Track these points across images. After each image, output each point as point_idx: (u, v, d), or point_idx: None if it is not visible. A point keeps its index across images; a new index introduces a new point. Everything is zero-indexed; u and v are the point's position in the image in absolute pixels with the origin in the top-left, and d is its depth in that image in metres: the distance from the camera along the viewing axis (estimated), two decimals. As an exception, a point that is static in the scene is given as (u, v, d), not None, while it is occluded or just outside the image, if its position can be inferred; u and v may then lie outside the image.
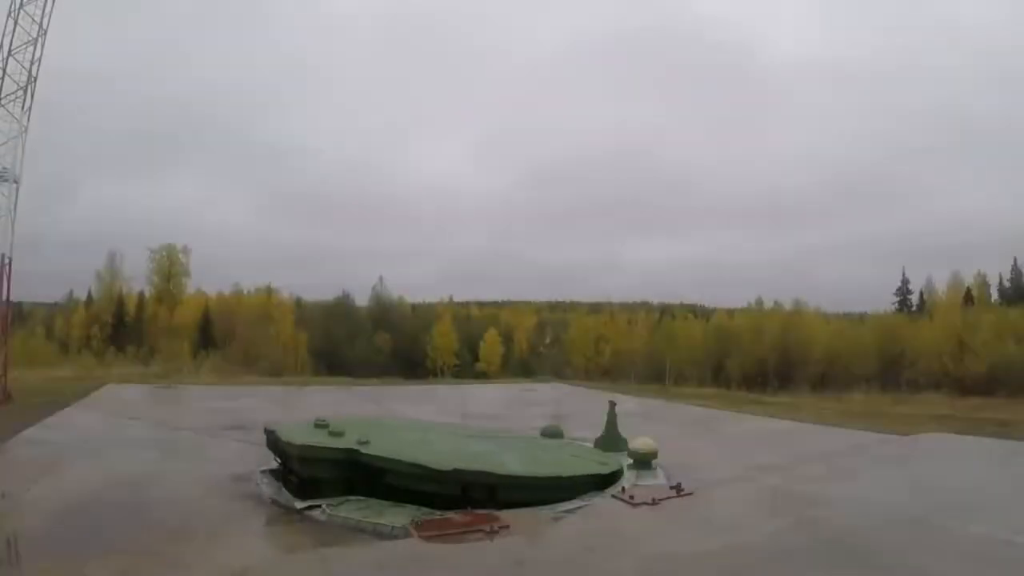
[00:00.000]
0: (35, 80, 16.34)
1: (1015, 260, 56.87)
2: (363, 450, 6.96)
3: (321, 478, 6.95)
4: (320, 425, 7.95)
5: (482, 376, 43.79)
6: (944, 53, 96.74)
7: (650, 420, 13.74)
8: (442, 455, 7.20)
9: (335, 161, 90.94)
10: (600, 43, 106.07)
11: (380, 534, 5.91)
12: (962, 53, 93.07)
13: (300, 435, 7.45)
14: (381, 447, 7.12)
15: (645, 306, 68.20)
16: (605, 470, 7.96)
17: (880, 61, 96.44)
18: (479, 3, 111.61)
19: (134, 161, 72.24)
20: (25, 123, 16.25)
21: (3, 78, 15.88)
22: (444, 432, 9.74)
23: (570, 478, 7.43)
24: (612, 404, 10.18)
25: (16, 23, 15.88)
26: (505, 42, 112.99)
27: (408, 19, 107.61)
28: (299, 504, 6.65)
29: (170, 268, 48.81)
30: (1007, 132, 79.32)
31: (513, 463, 7.52)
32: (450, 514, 6.30)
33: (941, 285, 54.30)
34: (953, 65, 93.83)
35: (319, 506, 6.54)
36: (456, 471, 6.73)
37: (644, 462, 8.49)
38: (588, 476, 7.65)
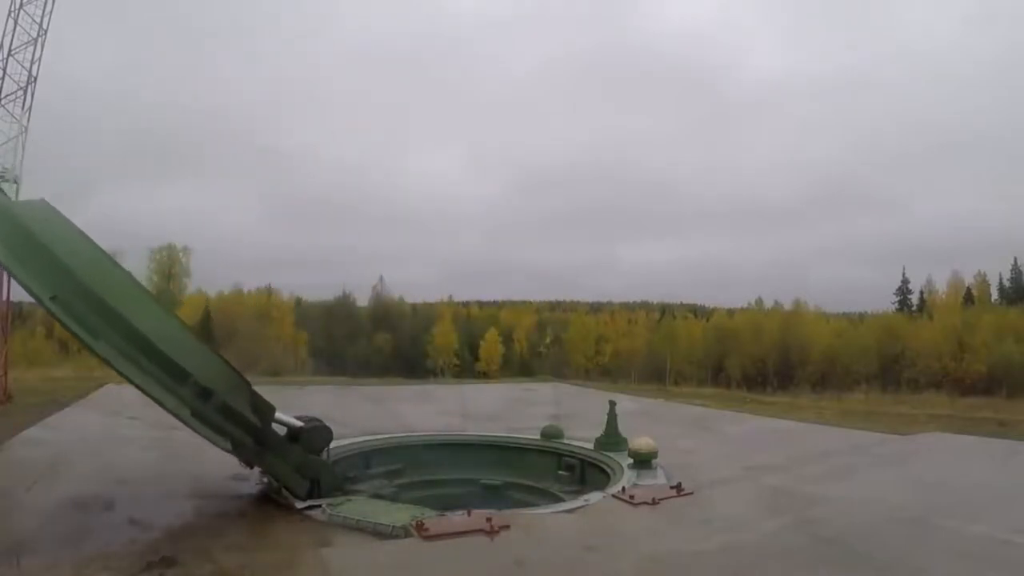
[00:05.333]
0: (35, 80, 16.34)
1: (1015, 260, 56.99)
2: None
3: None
4: None
5: (482, 376, 43.81)
6: (945, 60, 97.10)
7: (650, 420, 13.71)
8: None
9: (336, 163, 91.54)
10: (600, 57, 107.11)
11: (380, 534, 5.89)
12: (963, 58, 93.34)
13: None
14: None
15: (645, 306, 68.37)
16: None
17: (880, 71, 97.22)
18: (480, 10, 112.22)
19: (135, 163, 72.41)
20: (25, 123, 16.25)
21: (3, 78, 15.88)
22: None
23: None
24: (612, 404, 10.17)
25: (16, 23, 15.89)
26: (506, 56, 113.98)
27: (409, 37, 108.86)
28: (299, 504, 6.64)
29: (171, 268, 48.88)
30: (1007, 135, 79.71)
31: None
32: (450, 514, 6.31)
33: (941, 285, 54.38)
34: (955, 73, 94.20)
35: (319, 506, 6.53)
36: None
37: (644, 462, 8.49)
38: None
